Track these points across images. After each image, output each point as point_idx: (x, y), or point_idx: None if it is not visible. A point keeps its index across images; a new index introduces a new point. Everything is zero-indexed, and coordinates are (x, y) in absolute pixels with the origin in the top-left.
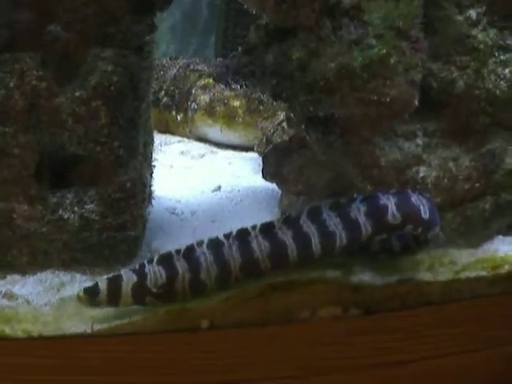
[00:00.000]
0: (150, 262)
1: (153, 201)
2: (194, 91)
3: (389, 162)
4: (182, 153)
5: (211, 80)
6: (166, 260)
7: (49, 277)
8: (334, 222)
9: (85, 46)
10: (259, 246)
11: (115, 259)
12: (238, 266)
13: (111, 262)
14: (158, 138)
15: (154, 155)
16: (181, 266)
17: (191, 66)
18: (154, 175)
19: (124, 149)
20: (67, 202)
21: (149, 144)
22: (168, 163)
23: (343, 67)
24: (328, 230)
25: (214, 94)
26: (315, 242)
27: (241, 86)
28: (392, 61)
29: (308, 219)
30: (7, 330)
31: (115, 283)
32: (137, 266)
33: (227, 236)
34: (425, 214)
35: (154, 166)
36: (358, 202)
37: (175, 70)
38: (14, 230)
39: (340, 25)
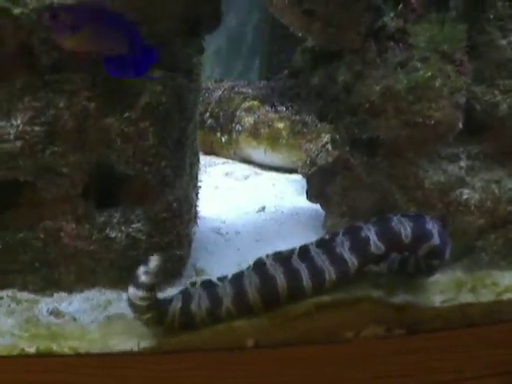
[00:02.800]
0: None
1: (198, 221)
2: (238, 113)
3: (433, 183)
4: (227, 174)
5: (256, 102)
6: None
7: (95, 295)
8: (321, 259)
9: None
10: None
11: (160, 278)
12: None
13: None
14: (203, 160)
15: (200, 176)
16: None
17: (236, 89)
18: (199, 196)
19: (171, 169)
20: (114, 220)
21: (195, 165)
22: (213, 184)
23: (388, 90)
24: (317, 267)
25: (258, 116)
26: (306, 278)
27: (286, 108)
28: (437, 83)
29: (298, 258)
30: (54, 347)
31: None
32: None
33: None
34: (406, 238)
35: (200, 187)
36: (341, 236)
37: (220, 93)
38: (61, 248)
39: (385, 48)
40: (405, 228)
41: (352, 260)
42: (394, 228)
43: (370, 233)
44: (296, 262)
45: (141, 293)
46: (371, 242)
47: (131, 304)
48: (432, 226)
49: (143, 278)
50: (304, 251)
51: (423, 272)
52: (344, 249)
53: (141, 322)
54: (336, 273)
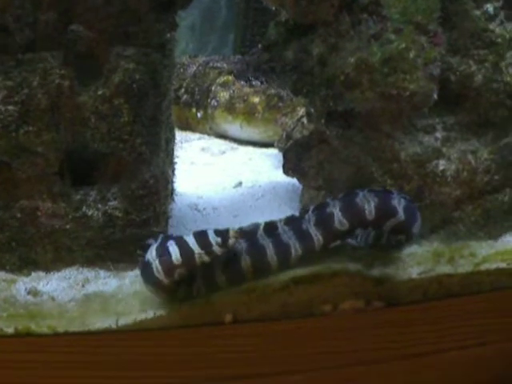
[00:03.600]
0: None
1: (175, 197)
2: (213, 88)
3: (409, 155)
4: (203, 149)
5: (231, 77)
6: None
7: (73, 273)
8: (288, 235)
9: (107, 44)
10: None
11: (138, 255)
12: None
13: (135, 258)
14: (179, 136)
15: (176, 152)
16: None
17: (211, 64)
18: (175, 172)
19: (146, 146)
20: (91, 199)
21: (170, 141)
22: (189, 160)
23: (363, 62)
24: (283, 243)
25: (233, 91)
26: (271, 253)
27: (261, 83)
28: (411, 55)
29: (264, 233)
30: (33, 327)
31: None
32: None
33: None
34: (370, 214)
35: (176, 163)
36: (310, 212)
37: (195, 68)
38: (38, 227)
39: (359, 20)
40: (369, 204)
41: (317, 236)
42: (358, 204)
43: (335, 209)
44: (262, 237)
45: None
46: (335, 218)
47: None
48: (398, 202)
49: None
50: (271, 227)
51: (392, 246)
52: (310, 225)
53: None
54: (301, 248)
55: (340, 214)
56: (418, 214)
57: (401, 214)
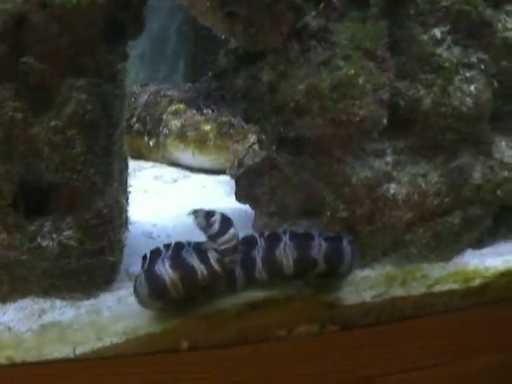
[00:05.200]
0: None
1: (129, 226)
2: (165, 117)
3: (360, 180)
4: (156, 178)
5: (182, 105)
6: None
7: (29, 304)
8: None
9: (59, 76)
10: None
11: (94, 285)
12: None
13: (90, 288)
14: (132, 164)
15: (129, 181)
16: None
17: (162, 92)
18: (129, 201)
19: (100, 176)
20: (45, 229)
21: (123, 170)
22: (142, 188)
23: (312, 88)
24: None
25: (185, 119)
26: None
27: (212, 111)
28: (360, 81)
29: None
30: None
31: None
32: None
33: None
34: (288, 269)
35: (130, 192)
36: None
37: (146, 97)
38: None
39: (308, 46)
40: (287, 258)
41: (239, 275)
42: (277, 258)
43: (258, 256)
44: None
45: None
46: (256, 266)
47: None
48: (318, 250)
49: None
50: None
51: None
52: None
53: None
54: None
55: (260, 264)
56: (347, 252)
57: (321, 264)
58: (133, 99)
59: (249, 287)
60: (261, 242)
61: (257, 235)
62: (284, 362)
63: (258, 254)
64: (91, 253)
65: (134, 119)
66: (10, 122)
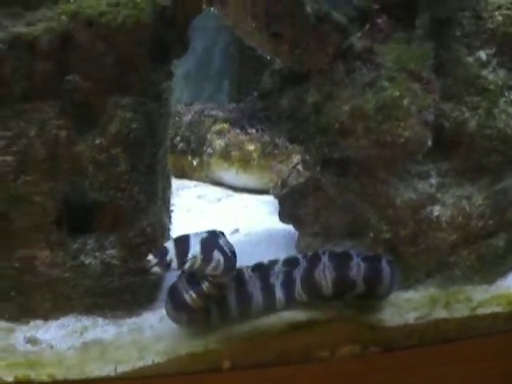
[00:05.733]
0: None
1: None
2: (209, 136)
3: (404, 201)
4: (199, 197)
5: (226, 125)
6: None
7: (71, 321)
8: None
9: (103, 94)
10: None
11: (136, 303)
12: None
13: (132, 306)
14: (175, 183)
15: (172, 200)
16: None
17: (206, 112)
18: (172, 220)
19: (144, 194)
20: (88, 247)
21: (167, 189)
22: (185, 207)
23: (357, 109)
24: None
25: (229, 139)
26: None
27: (256, 131)
28: (405, 102)
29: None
30: (32, 375)
31: (183, 240)
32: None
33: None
34: (327, 290)
35: (172, 211)
36: (281, 265)
37: (190, 116)
38: (36, 276)
39: (353, 68)
40: (326, 279)
41: (280, 297)
42: (316, 279)
43: (298, 276)
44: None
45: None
46: (296, 287)
47: None
48: (357, 271)
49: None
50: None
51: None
52: (277, 283)
53: None
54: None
55: (300, 285)
56: (386, 273)
57: (360, 285)
58: (177, 118)
59: (289, 308)
60: (303, 263)
61: (300, 256)
62: (326, 383)
63: (299, 275)
64: (134, 271)
65: (178, 138)
66: (54, 140)
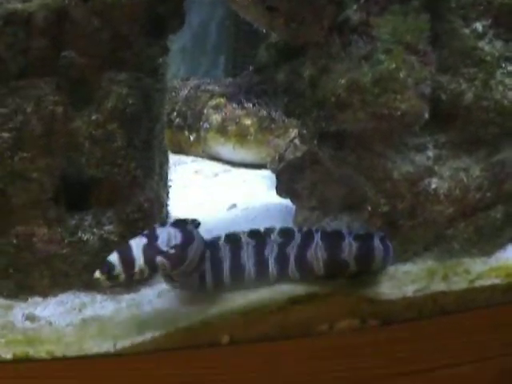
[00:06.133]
0: (163, 225)
1: (169, 220)
2: (205, 111)
3: (401, 174)
4: (196, 172)
5: (222, 99)
6: (182, 225)
7: (70, 298)
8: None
9: (99, 70)
10: None
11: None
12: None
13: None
14: (172, 159)
15: (169, 175)
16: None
17: (202, 87)
18: (169, 195)
19: (140, 169)
20: (86, 223)
21: (164, 164)
22: (183, 183)
23: (354, 83)
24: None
25: (225, 114)
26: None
27: (253, 105)
28: (402, 75)
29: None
30: (31, 352)
31: (126, 251)
32: (146, 231)
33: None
34: (319, 271)
35: (170, 186)
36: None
37: (186, 91)
38: (34, 253)
39: (349, 41)
40: (318, 261)
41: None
42: (308, 260)
43: (291, 255)
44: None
45: None
46: (289, 266)
47: None
48: (348, 252)
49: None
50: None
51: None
52: (271, 255)
53: None
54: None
55: (293, 264)
56: (378, 251)
57: (352, 265)
58: (173, 94)
59: (282, 282)
60: (297, 238)
61: (295, 229)
62: (326, 356)
63: (293, 252)
64: None
65: (175, 114)
66: (50, 116)
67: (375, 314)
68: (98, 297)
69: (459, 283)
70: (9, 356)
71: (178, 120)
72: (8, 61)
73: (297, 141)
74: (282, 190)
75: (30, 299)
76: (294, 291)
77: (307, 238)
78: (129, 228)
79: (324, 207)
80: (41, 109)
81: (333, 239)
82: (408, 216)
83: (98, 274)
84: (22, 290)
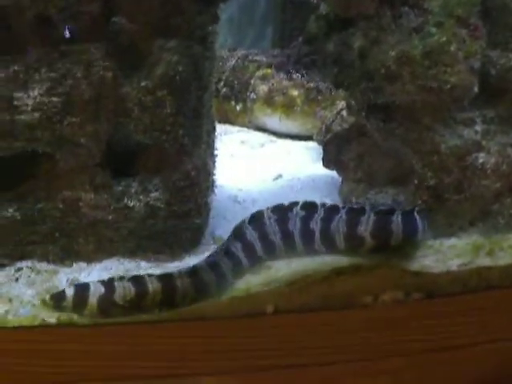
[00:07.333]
0: (121, 279)
1: (215, 189)
2: (252, 81)
3: (449, 148)
4: (242, 142)
5: (270, 70)
6: (138, 278)
7: (114, 264)
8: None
9: (150, 37)
10: None
11: (179, 247)
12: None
13: (175, 250)
14: (218, 128)
15: (216, 144)
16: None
17: (250, 57)
18: (215, 164)
19: (188, 137)
20: (132, 190)
21: (211, 133)
22: (229, 152)
23: (404, 55)
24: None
25: (272, 84)
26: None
27: (302, 75)
28: (452, 48)
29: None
30: (75, 317)
31: (82, 292)
32: (105, 280)
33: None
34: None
35: (216, 155)
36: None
37: (234, 61)
38: (80, 218)
39: (400, 13)
40: (339, 234)
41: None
42: (332, 232)
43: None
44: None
45: None
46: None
47: None
48: (364, 228)
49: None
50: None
51: None
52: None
53: None
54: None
55: (319, 237)
56: (395, 226)
57: (368, 240)
58: (220, 63)
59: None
60: (320, 212)
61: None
62: (370, 328)
63: (317, 226)
64: (178, 215)
65: (222, 83)
66: (100, 81)
67: (419, 287)
68: (143, 264)
69: (504, 258)
70: (53, 320)
71: (224, 90)
72: (59, 25)
73: (344, 112)
74: (328, 161)
75: (74, 264)
76: (339, 262)
77: (331, 212)
78: (175, 195)
79: (370, 179)
80: (90, 74)
81: (354, 214)
82: (454, 190)
83: (48, 297)
84: (67, 255)
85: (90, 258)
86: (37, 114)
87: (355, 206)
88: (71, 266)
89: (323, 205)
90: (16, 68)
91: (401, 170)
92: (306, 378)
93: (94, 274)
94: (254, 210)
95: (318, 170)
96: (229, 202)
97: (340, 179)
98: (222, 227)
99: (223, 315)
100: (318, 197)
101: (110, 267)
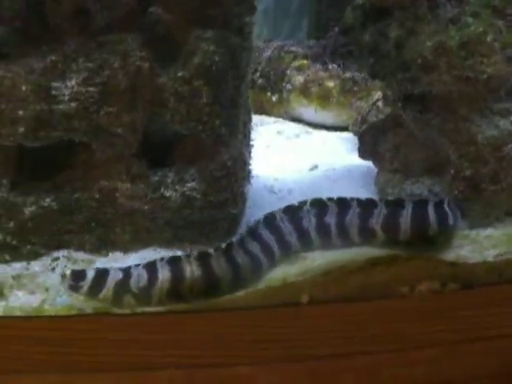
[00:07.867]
0: (137, 265)
1: (251, 179)
2: (288, 72)
3: (485, 138)
4: (278, 133)
5: (306, 61)
6: (150, 265)
7: (150, 254)
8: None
9: (186, 27)
10: None
11: (216, 236)
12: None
13: (212, 239)
14: (254, 119)
15: (251, 135)
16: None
17: (285, 48)
18: (252, 154)
19: (225, 127)
20: (169, 180)
21: (247, 123)
22: (265, 143)
23: (440, 45)
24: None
25: (308, 75)
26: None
27: (338, 66)
28: (489, 39)
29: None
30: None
31: (102, 275)
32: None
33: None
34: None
35: (253, 146)
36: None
37: (270, 52)
38: (116, 208)
39: (436, 3)
40: (353, 228)
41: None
42: (347, 225)
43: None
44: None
45: None
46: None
47: None
48: (375, 221)
49: None
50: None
51: None
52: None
53: None
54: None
55: (335, 231)
56: (404, 218)
57: (379, 233)
58: (257, 54)
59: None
60: (332, 207)
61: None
62: (406, 318)
63: (332, 219)
64: (214, 205)
65: (258, 74)
66: (136, 71)
67: (455, 277)
68: (179, 253)
69: None
70: (89, 310)
71: (260, 80)
72: (96, 15)
73: (380, 103)
74: (364, 151)
75: (110, 254)
76: (375, 253)
77: (344, 206)
78: (211, 185)
79: (406, 170)
80: (127, 64)
81: (366, 207)
82: (491, 180)
83: (68, 272)
84: (104, 244)
85: (126, 248)
86: (74, 104)
87: (395, 199)
88: (107, 255)
89: (357, 199)
90: (54, 58)
91: (437, 160)
92: (340, 368)
93: (129, 263)
94: (290, 199)
95: (354, 160)
96: (265, 192)
97: (376, 170)
98: (257, 217)
99: (258, 305)
100: (353, 187)
101: (146, 257)
